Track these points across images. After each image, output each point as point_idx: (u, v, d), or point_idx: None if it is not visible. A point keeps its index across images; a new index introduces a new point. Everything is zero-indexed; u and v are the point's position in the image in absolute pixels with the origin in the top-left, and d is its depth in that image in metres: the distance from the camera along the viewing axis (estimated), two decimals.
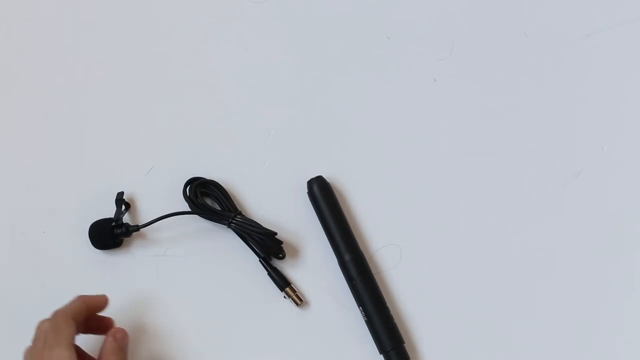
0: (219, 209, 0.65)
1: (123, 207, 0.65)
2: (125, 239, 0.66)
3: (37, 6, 0.72)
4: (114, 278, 0.65)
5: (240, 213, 0.65)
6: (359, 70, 0.71)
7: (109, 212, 0.65)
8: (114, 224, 0.64)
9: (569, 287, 0.67)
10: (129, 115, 0.69)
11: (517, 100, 0.71)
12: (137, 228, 0.64)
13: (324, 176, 0.67)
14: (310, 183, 0.66)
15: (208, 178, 0.66)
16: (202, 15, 0.73)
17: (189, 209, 0.65)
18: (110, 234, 0.64)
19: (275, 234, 0.64)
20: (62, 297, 0.64)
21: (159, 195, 0.67)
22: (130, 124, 0.69)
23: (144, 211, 0.66)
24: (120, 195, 0.65)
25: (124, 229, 0.64)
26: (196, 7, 0.73)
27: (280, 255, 0.64)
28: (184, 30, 0.72)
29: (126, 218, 0.66)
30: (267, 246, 0.63)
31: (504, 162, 0.69)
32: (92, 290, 0.63)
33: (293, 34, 0.72)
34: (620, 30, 0.73)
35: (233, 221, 0.63)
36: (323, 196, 0.66)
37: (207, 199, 0.66)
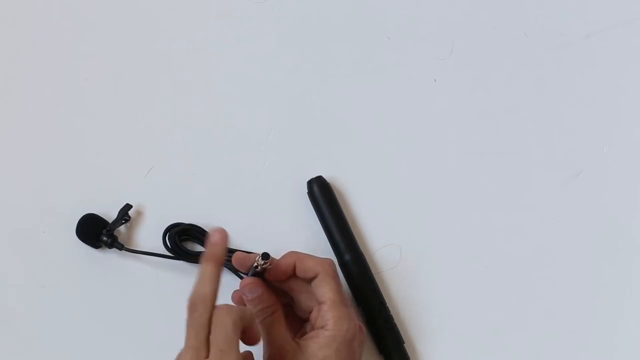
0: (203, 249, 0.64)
1: (123, 219, 0.65)
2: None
3: (37, 6, 0.72)
4: (115, 279, 0.65)
5: None
6: (359, 70, 0.71)
7: (109, 213, 0.65)
8: (104, 231, 0.64)
9: (568, 288, 0.66)
10: (129, 116, 0.69)
11: (517, 100, 0.71)
12: (121, 248, 0.64)
13: (324, 176, 0.67)
14: (310, 183, 0.66)
15: (187, 223, 0.65)
16: (201, 15, 0.72)
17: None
18: (96, 235, 0.64)
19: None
20: (62, 297, 0.64)
21: (159, 197, 0.67)
22: (130, 124, 0.69)
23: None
24: (126, 208, 0.65)
25: (110, 240, 0.63)
26: (196, 7, 0.73)
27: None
28: (184, 30, 0.72)
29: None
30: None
31: (504, 162, 0.69)
32: (91, 290, 0.64)
33: (293, 34, 0.72)
34: (620, 30, 0.73)
35: None
36: (323, 196, 0.66)
37: (188, 243, 0.65)
